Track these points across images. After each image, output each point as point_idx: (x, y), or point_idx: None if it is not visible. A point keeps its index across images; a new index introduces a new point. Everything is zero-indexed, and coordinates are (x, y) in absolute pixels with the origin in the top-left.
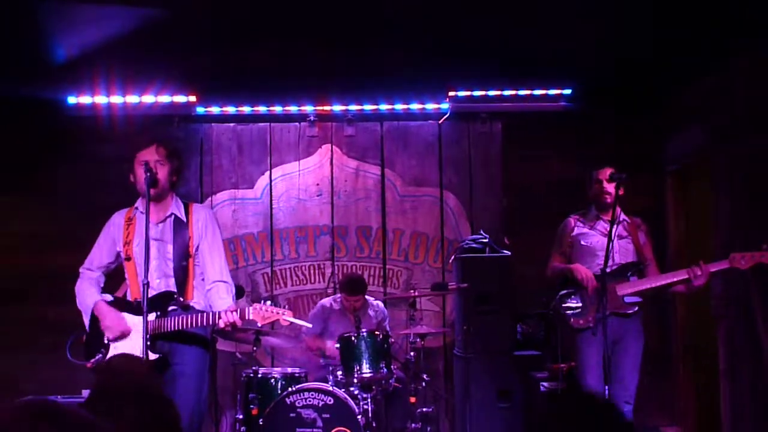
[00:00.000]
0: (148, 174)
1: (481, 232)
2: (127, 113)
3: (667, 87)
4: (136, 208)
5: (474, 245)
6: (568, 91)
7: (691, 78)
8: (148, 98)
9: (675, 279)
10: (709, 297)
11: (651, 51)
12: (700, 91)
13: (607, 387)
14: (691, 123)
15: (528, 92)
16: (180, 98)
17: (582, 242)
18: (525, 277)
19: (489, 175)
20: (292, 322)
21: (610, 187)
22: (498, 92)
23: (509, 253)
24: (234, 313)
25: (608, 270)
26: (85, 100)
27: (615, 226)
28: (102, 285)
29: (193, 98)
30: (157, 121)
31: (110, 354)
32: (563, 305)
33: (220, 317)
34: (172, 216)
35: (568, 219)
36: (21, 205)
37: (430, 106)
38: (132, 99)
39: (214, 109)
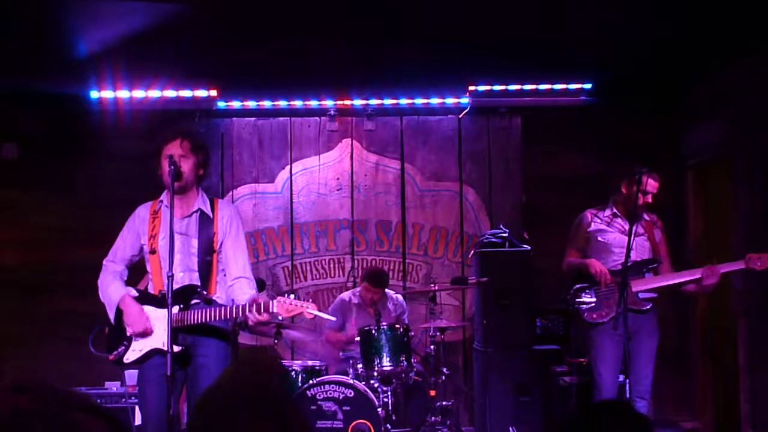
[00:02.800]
0: (172, 167)
1: (501, 226)
2: (148, 108)
3: (686, 82)
4: (161, 201)
5: (494, 240)
6: (588, 86)
7: (711, 72)
8: (170, 93)
9: (689, 278)
10: (730, 292)
11: (670, 45)
12: (719, 86)
13: (627, 381)
14: (711, 118)
15: (548, 87)
16: (201, 93)
17: (599, 238)
18: (544, 272)
19: (508, 170)
20: (315, 315)
21: (645, 199)
22: (518, 87)
23: (529, 247)
24: (260, 311)
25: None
26: (107, 95)
27: (636, 223)
28: (125, 278)
29: (214, 93)
30: (179, 115)
31: (133, 346)
32: (577, 300)
33: (248, 310)
34: (199, 211)
35: (584, 213)
36: (42, 199)
37: (450, 101)
38: (153, 94)
39: (235, 104)
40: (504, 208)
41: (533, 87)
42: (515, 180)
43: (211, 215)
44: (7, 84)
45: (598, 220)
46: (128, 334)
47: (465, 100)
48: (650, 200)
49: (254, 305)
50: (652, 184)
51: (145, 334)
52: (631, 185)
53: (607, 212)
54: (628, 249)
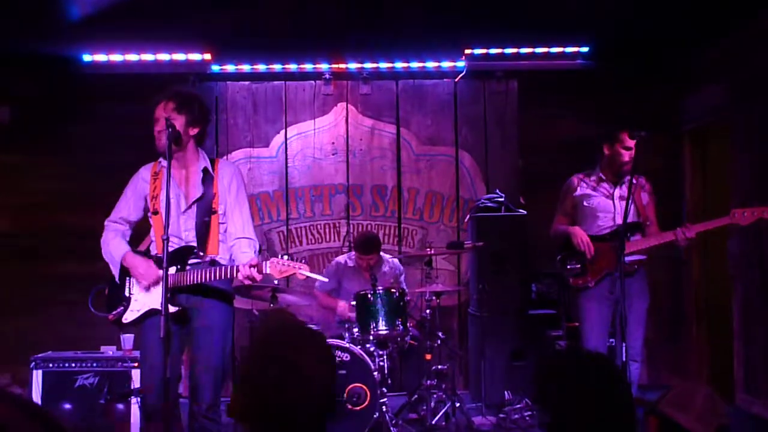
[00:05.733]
0: (170, 129)
1: (497, 191)
2: (142, 71)
3: (686, 46)
4: (160, 162)
5: (489, 204)
6: (585, 49)
7: (711, 37)
8: (164, 56)
9: (662, 241)
10: (725, 256)
11: (670, 9)
12: (719, 50)
13: (624, 344)
14: (710, 82)
15: (545, 50)
16: (195, 56)
17: (584, 203)
18: (540, 237)
19: (505, 134)
20: (308, 276)
21: (628, 155)
22: (514, 50)
23: (524, 212)
24: (252, 267)
25: (608, 231)
26: (101, 58)
27: (619, 187)
28: (128, 238)
29: (208, 56)
30: (173, 79)
31: (132, 306)
32: (565, 267)
33: (238, 270)
34: (203, 171)
35: (571, 179)
36: (37, 163)
37: (446, 65)
38: (147, 57)
39: (229, 67)
40: (500, 172)
41: (530, 50)
42: (512, 144)
43: (212, 174)
44: (1, 47)
45: (584, 185)
46: (128, 292)
47: (461, 64)
48: (632, 155)
49: (246, 266)
50: (630, 140)
51: (156, 283)
52: (613, 144)
53: (594, 177)
54: (626, 212)
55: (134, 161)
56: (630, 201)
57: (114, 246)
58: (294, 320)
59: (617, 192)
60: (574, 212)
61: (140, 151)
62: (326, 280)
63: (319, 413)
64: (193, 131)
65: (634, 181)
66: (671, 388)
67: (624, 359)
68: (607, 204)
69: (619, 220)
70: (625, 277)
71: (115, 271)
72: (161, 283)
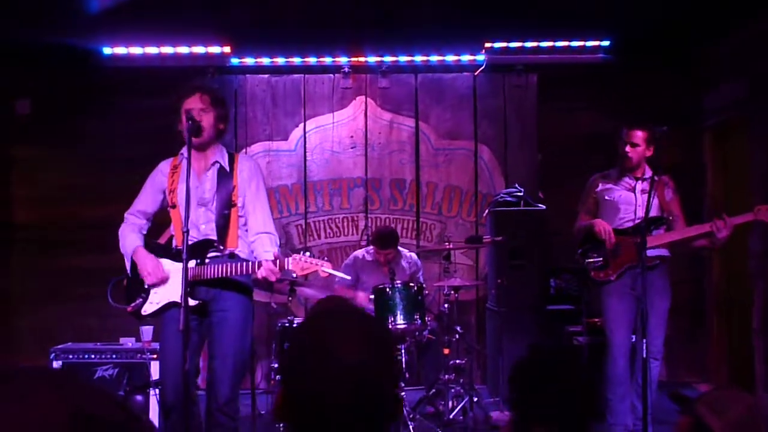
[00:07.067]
0: (190, 122)
1: (516, 185)
2: (161, 65)
3: (705, 39)
4: (182, 154)
5: (508, 199)
6: (606, 43)
7: (730, 31)
8: (183, 49)
9: (697, 232)
10: (746, 254)
11: (690, 3)
12: (739, 44)
13: (644, 341)
14: (730, 76)
15: (565, 44)
16: (214, 49)
17: (606, 197)
18: (559, 231)
19: (524, 129)
20: (330, 274)
21: (633, 152)
22: (535, 44)
23: (544, 207)
24: (272, 264)
25: (631, 224)
26: (120, 51)
27: (641, 182)
28: (145, 231)
29: (227, 49)
30: (192, 72)
31: (151, 298)
32: (586, 260)
33: (260, 266)
34: (217, 164)
35: (593, 177)
36: (55, 156)
37: (466, 58)
38: (167, 50)
39: (249, 60)
40: (519, 166)
41: (550, 44)
42: (531, 138)
43: (228, 169)
44: (21, 40)
45: (606, 181)
46: (146, 285)
47: (481, 57)
48: (647, 152)
49: (269, 263)
50: (637, 135)
51: (162, 283)
52: (623, 144)
53: (614, 173)
54: (648, 204)
55: (151, 154)
56: (652, 196)
57: (129, 240)
58: (341, 305)
59: (639, 186)
60: (596, 209)
61: (157, 145)
62: (348, 278)
63: (370, 416)
64: (221, 126)
65: (657, 178)
66: (714, 389)
67: (644, 356)
68: (629, 197)
69: (641, 213)
70: (647, 271)
71: (128, 265)
72: (180, 276)
